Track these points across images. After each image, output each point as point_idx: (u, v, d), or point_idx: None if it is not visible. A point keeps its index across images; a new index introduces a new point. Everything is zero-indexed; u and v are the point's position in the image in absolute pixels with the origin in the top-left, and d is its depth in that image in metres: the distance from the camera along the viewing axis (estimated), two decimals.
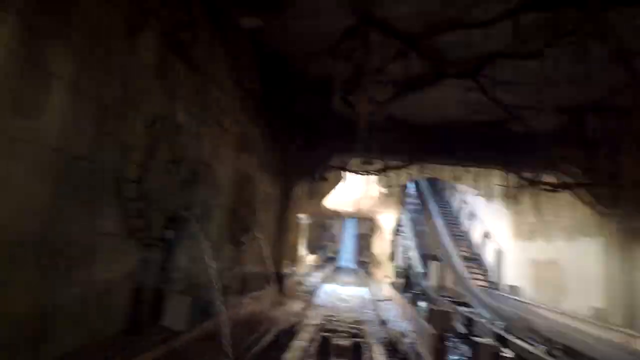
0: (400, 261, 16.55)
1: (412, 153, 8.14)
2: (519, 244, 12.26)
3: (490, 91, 5.98)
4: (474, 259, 15.47)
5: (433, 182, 23.13)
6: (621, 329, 7.14)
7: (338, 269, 23.66)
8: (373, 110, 6.95)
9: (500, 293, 12.40)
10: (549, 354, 5.74)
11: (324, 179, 8.72)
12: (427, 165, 9.06)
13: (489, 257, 14.59)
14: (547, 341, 6.95)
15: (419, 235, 17.16)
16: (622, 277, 7.43)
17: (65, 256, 2.12)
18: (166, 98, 3.19)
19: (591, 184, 6.73)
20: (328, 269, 18.97)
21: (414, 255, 14.45)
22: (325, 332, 5.68)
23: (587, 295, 8.40)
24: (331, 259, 28.29)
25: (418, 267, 13.46)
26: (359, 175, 13.47)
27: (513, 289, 12.08)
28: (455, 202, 19.82)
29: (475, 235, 16.33)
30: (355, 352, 4.82)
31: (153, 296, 3.19)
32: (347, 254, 31.85)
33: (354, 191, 18.88)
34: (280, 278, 7.92)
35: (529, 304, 10.60)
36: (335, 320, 7.22)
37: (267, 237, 7.67)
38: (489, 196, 14.82)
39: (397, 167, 8.30)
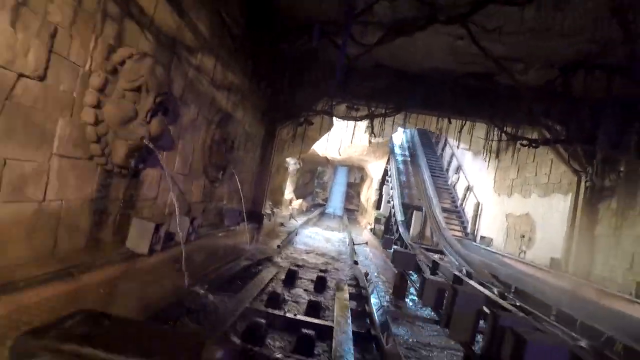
0: (383, 210, 17.07)
1: (399, 101, 8.05)
2: (498, 198, 12.65)
3: (479, 40, 5.80)
4: (455, 211, 16.00)
5: (425, 135, 23.12)
6: (571, 276, 7.74)
7: (325, 215, 24.38)
8: (360, 54, 6.78)
9: (474, 243, 13.04)
10: (501, 295, 6.25)
11: (310, 123, 8.67)
12: (414, 114, 8.96)
13: (470, 210, 15.09)
14: (503, 285, 7.53)
15: (404, 185, 17.50)
16: (581, 232, 7.83)
17: (15, 173, 2.20)
18: (130, 24, 3.07)
19: (568, 141, 6.81)
20: (315, 214, 19.54)
21: (396, 204, 14.86)
22: (296, 266, 6.06)
23: (551, 246, 8.90)
24: (320, 206, 29.01)
25: (398, 216, 13.91)
26: (345, 122, 13.47)
27: (485, 239, 12.67)
28: (445, 156, 19.97)
29: (460, 189, 16.73)
30: (319, 284, 5.18)
31: (117, 220, 3.35)
32: (336, 201, 32.70)
33: (344, 139, 18.90)
34: (259, 216, 8.19)
35: (497, 253, 11.22)
36: (307, 258, 7.65)
37: (248, 176, 7.83)
38: (475, 151, 15.01)
39: (384, 115, 8.24)
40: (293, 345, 3.18)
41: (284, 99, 8.08)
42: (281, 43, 6.20)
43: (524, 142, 7.20)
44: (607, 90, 5.84)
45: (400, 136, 24.19)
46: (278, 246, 8.07)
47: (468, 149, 15.34)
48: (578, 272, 7.81)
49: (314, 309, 4.07)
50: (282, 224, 11.69)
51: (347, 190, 33.48)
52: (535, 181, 10.38)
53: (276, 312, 3.84)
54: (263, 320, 3.25)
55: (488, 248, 12.12)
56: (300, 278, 5.41)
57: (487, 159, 9.29)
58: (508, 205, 11.82)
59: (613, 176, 6.98)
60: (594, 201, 7.70)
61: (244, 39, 5.60)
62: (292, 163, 24.10)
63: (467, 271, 8.98)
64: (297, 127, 8.63)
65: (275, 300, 4.16)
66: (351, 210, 29.95)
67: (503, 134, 7.45)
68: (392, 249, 6.44)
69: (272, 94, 7.90)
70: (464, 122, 7.85)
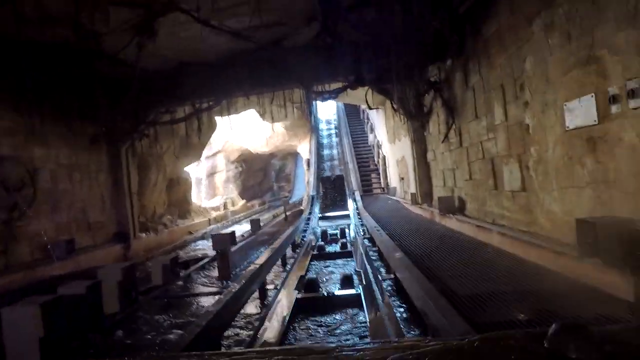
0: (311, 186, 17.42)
1: (218, 92, 8.29)
2: (390, 146, 12.98)
3: (217, 20, 6.05)
4: (375, 170, 16.37)
5: (351, 106, 23.29)
6: (425, 207, 8.14)
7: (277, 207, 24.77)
8: (144, 55, 6.98)
9: (387, 196, 13.44)
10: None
11: (146, 136, 8.91)
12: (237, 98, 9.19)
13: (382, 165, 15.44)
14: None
15: (327, 158, 17.84)
16: (419, 162, 8.20)
17: None
18: None
19: (352, 85, 7.07)
20: (257, 210, 19.92)
21: (311, 180, 15.22)
22: None
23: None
24: (279, 199, 29.30)
25: (310, 191, 14.27)
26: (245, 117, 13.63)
27: (391, 190, 13.06)
28: (365, 119, 20.25)
29: (376, 147, 17.05)
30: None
31: None
32: (300, 191, 33.00)
33: (265, 131, 19.12)
34: (125, 236, 8.51)
35: (399, 201, 11.61)
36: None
37: (95, 202, 8.09)
38: (374, 107, 15.26)
39: (208, 109, 8.50)
40: None
41: (115, 121, 8.29)
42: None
43: (325, 95, 7.46)
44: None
45: (329, 110, 24.48)
46: (148, 258, 8.35)
47: (369, 108, 15.63)
48: (423, 199, 8.19)
49: None
50: (190, 232, 12.02)
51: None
52: (400, 124, 10.68)
53: None
54: None
55: (393, 197, 12.52)
56: None
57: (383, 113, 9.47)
58: (395, 152, 12.16)
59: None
60: (421, 132, 8.03)
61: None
62: (232, 168, 24.41)
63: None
64: (133, 143, 8.84)
65: None
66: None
67: (314, 93, 7.70)
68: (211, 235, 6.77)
69: (95, 119, 8.12)
70: (272, 94, 8.10)
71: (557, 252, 3.25)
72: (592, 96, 2.73)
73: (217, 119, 13.83)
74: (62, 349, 2.48)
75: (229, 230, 7.52)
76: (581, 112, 2.87)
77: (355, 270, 5.20)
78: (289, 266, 6.24)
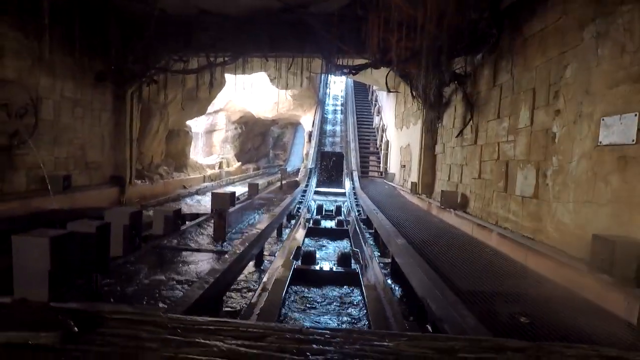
0: (310, 160, 17.34)
1: (236, 48, 7.99)
2: (396, 133, 12.88)
3: None
4: (375, 153, 16.31)
5: (360, 85, 22.88)
6: (423, 197, 8.15)
7: (271, 175, 24.72)
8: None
9: (385, 181, 13.46)
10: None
11: (154, 82, 8.62)
12: (253, 58, 8.91)
13: (385, 149, 15.36)
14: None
15: (329, 134, 17.66)
16: (426, 153, 8.14)
17: None
18: None
19: (374, 64, 6.87)
20: (251, 174, 19.86)
21: (311, 153, 15.12)
22: None
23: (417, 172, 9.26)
24: (275, 167, 29.23)
25: (309, 164, 14.22)
26: (251, 80, 13.29)
27: (389, 176, 13.07)
28: (373, 100, 19.97)
29: (380, 130, 16.91)
30: None
31: None
32: (296, 160, 32.92)
33: (271, 96, 18.75)
34: (120, 180, 8.40)
35: (396, 187, 11.64)
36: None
37: (95, 141, 7.91)
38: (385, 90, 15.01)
39: (223, 64, 8.22)
40: None
41: (125, 63, 7.99)
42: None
43: (345, 70, 7.26)
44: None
45: (338, 86, 24.05)
46: (140, 203, 8.30)
47: (378, 89, 15.38)
48: (424, 190, 8.21)
49: None
50: (184, 187, 11.94)
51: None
52: (412, 111, 10.55)
53: None
54: None
55: (390, 183, 12.55)
56: None
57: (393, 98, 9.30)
58: (401, 138, 12.07)
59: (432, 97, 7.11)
60: (433, 122, 7.92)
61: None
62: (232, 128, 24.08)
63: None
64: (141, 87, 8.57)
65: None
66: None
67: (333, 66, 7.47)
68: (212, 193, 6.73)
69: (105, 56, 7.81)
70: (291, 59, 7.86)
71: (562, 262, 3.30)
72: (636, 115, 2.69)
73: (225, 76, 13.46)
74: (68, 285, 2.46)
75: (226, 190, 7.45)
76: (619, 129, 2.83)
77: (352, 249, 5.24)
78: (284, 236, 6.27)
